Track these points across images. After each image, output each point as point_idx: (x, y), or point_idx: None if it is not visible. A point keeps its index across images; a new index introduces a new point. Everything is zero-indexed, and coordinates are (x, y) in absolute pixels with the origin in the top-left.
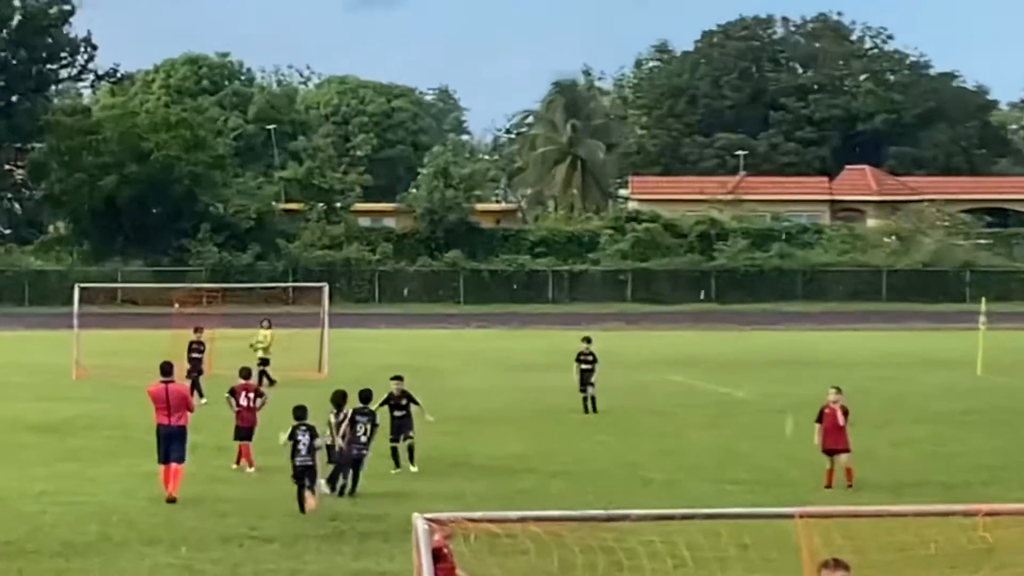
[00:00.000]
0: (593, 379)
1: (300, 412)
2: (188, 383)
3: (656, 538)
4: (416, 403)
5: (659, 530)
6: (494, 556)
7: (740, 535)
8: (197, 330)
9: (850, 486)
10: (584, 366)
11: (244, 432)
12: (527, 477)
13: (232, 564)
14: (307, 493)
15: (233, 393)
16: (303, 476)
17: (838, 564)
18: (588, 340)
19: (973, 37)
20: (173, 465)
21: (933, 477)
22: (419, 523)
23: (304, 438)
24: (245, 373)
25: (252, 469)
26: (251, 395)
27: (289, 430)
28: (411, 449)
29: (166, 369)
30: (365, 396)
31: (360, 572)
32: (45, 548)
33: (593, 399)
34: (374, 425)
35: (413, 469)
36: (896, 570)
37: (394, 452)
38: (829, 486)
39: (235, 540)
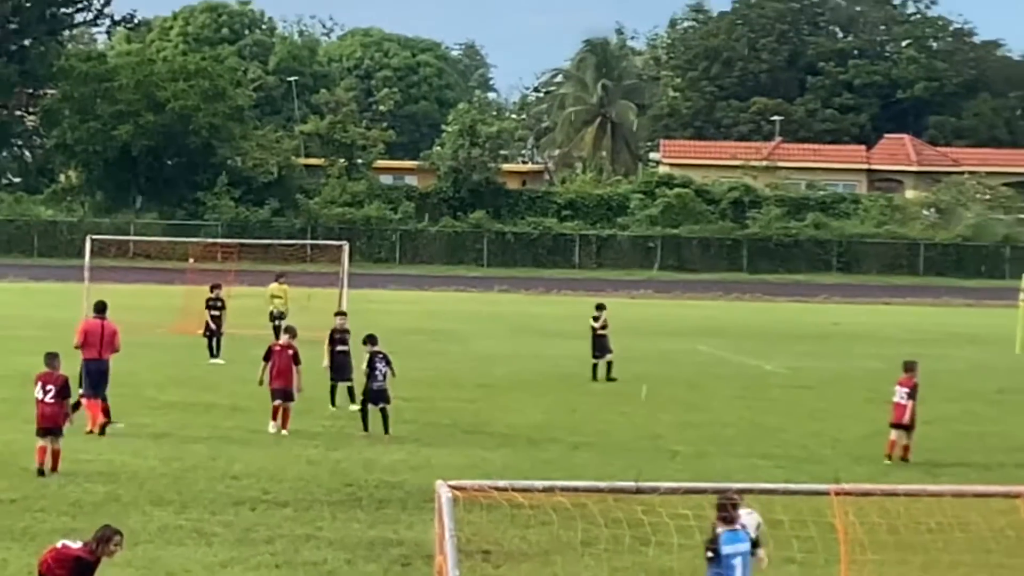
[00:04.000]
0: (611, 345)
1: (373, 339)
2: (206, 341)
3: (687, 511)
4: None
5: (688, 503)
6: (515, 527)
7: (773, 510)
8: (214, 287)
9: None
10: (601, 331)
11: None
12: (549, 447)
13: (243, 528)
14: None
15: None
16: (378, 400)
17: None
18: (603, 307)
19: (1019, 6)
20: (100, 401)
21: (967, 457)
22: (443, 491)
23: (381, 365)
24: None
25: (284, 432)
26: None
27: (367, 358)
28: (351, 390)
29: (100, 307)
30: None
31: (376, 540)
32: (52, 507)
33: (609, 365)
34: (388, 364)
35: (352, 407)
36: (931, 551)
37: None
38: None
39: (247, 503)
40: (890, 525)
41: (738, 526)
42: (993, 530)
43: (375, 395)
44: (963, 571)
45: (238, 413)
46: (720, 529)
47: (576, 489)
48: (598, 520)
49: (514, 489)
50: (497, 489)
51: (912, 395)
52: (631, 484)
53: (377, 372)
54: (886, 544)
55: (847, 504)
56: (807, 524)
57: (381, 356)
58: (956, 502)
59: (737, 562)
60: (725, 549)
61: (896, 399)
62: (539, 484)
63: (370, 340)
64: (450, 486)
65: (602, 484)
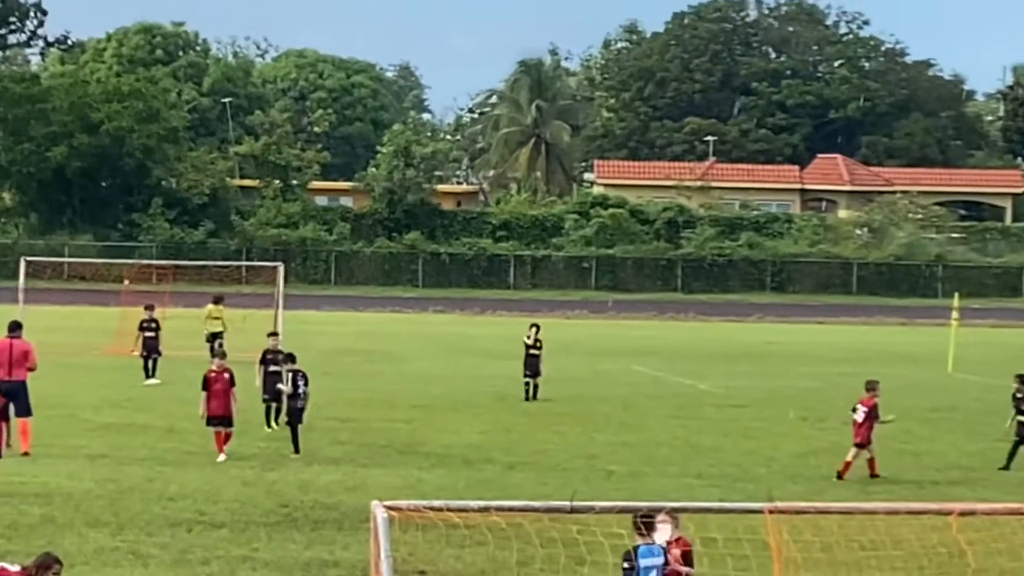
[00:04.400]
0: (541, 367)
1: (293, 358)
2: (142, 362)
3: (622, 531)
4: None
5: (623, 523)
6: (451, 548)
7: (707, 529)
8: (148, 308)
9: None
10: (533, 350)
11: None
12: (485, 467)
13: (180, 549)
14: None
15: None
16: (300, 418)
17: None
18: (536, 326)
19: (950, 26)
20: (20, 421)
21: (901, 475)
22: (379, 511)
23: (301, 383)
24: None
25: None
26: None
27: (289, 377)
28: (279, 411)
29: (13, 326)
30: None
31: (312, 561)
32: None
33: (536, 387)
34: (306, 381)
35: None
36: (865, 569)
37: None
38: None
39: (183, 525)
40: (823, 543)
41: (653, 540)
42: (926, 547)
43: (299, 413)
44: None
45: (174, 434)
46: (637, 542)
47: (511, 509)
48: (534, 540)
49: (450, 509)
50: (433, 509)
51: (870, 415)
52: (566, 504)
53: (299, 391)
54: (820, 562)
55: (781, 522)
56: (741, 542)
57: (301, 375)
58: (889, 520)
59: (653, 575)
60: (642, 562)
61: (855, 417)
62: (475, 504)
63: (289, 359)
64: (385, 506)
65: (537, 504)
